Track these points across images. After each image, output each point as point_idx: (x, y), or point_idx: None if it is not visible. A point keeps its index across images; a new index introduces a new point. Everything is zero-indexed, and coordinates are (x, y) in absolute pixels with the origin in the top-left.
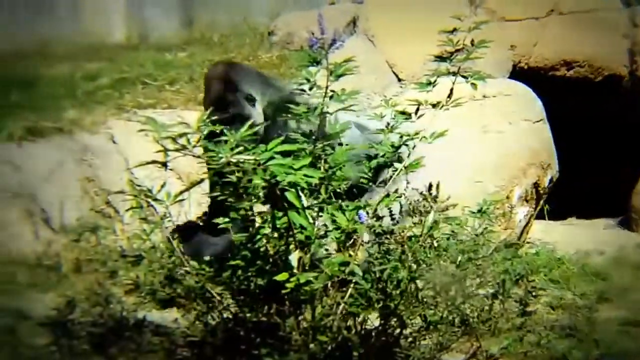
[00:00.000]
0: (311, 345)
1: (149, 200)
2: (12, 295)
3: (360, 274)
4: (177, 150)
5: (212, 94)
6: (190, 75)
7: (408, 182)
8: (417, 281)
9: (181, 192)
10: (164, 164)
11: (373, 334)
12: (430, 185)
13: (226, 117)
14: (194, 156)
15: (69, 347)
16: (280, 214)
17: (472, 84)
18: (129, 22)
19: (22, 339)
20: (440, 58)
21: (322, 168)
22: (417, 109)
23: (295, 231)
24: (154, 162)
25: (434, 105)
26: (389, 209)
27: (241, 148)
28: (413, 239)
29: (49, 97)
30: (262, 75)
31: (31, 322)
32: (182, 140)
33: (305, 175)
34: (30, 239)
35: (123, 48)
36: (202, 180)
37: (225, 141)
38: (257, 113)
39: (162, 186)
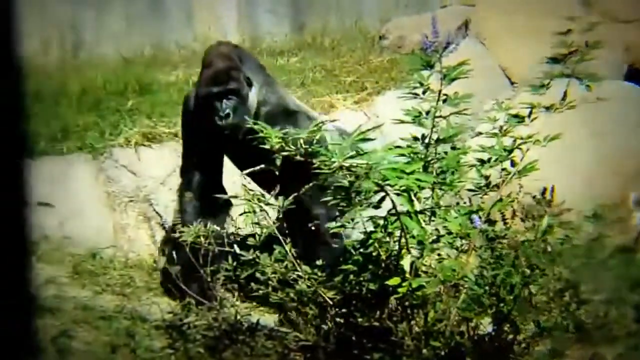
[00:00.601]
0: (424, 351)
1: (262, 204)
2: (130, 298)
3: (473, 279)
4: (289, 154)
5: (216, 67)
6: (302, 80)
7: (521, 186)
8: (531, 286)
9: (293, 197)
10: (277, 169)
11: (486, 339)
12: (545, 189)
13: (225, 90)
14: (305, 160)
15: (185, 350)
16: (393, 218)
17: (587, 86)
18: (242, 27)
19: (139, 342)
20: (554, 60)
21: (434, 172)
22: (531, 112)
23: (407, 235)
24: (266, 166)
25: (547, 108)
26: (502, 213)
27: (353, 152)
28: (526, 243)
29: (164, 102)
30: (263, 69)
31: (148, 325)
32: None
33: (418, 180)
34: (147, 242)
35: None
36: (313, 185)
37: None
38: (252, 96)
39: (275, 191)
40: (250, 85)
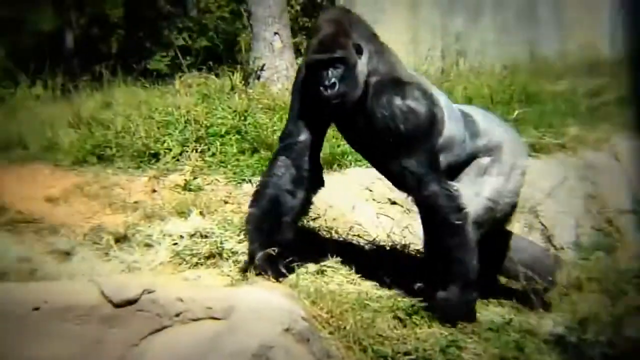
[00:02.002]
0: None
1: None
2: (520, 310)
3: None
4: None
5: (323, 33)
6: None
7: None
8: None
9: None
10: None
11: None
12: None
13: (330, 58)
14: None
15: None
16: None
17: None
18: (618, 36)
19: (529, 356)
20: None
21: None
22: None
23: None
24: None
25: None
26: None
27: None
28: None
29: (551, 113)
30: (375, 37)
31: (538, 339)
32: None
33: None
34: None
35: (622, 63)
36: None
37: None
38: (361, 65)
39: None
40: (359, 52)
